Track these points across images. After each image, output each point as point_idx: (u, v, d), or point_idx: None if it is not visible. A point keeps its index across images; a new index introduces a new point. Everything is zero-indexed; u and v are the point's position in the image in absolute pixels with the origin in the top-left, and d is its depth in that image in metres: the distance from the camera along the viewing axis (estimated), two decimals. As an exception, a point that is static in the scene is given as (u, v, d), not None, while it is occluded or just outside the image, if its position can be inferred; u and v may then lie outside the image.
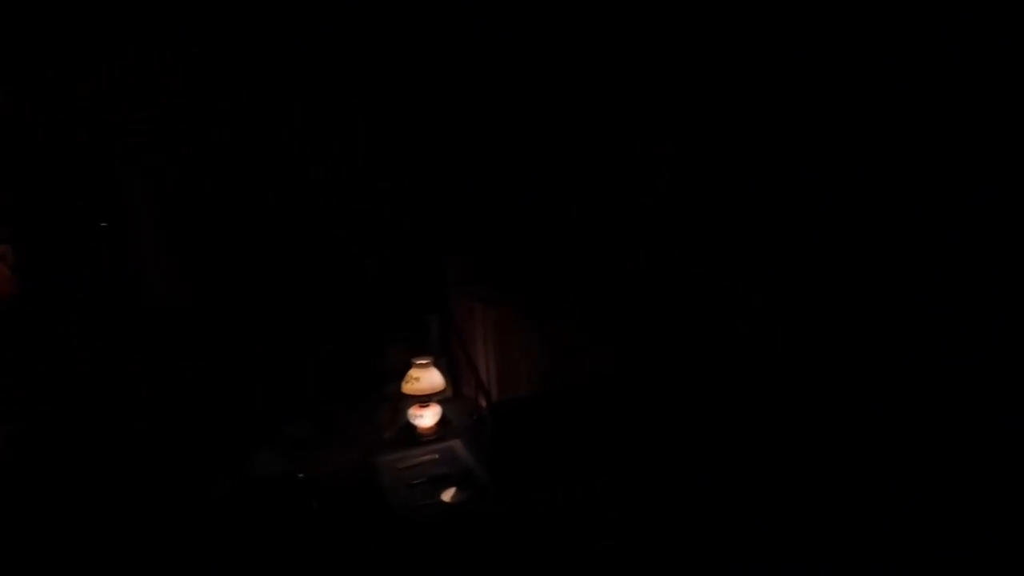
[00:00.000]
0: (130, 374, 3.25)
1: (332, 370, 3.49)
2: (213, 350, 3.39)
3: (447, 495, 2.22)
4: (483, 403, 2.84)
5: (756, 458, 1.40)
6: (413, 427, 2.74)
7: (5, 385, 3.07)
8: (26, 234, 3.34)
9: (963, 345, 1.04)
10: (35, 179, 3.29)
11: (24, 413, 3.03)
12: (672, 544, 1.57)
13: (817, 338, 1.31)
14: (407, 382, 2.72)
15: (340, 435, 3.06)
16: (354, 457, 2.78)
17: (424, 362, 2.74)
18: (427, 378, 2.71)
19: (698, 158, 1.57)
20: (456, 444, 2.64)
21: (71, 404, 3.12)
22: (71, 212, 3.37)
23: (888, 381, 1.18)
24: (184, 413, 3.20)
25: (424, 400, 2.71)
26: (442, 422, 2.78)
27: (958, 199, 1.03)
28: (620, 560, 1.65)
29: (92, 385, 3.19)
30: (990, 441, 1.02)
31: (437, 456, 2.56)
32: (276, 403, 3.29)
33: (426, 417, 2.71)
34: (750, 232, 1.44)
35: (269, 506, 2.29)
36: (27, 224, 3.34)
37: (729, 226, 1.48)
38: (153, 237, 3.44)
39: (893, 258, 1.15)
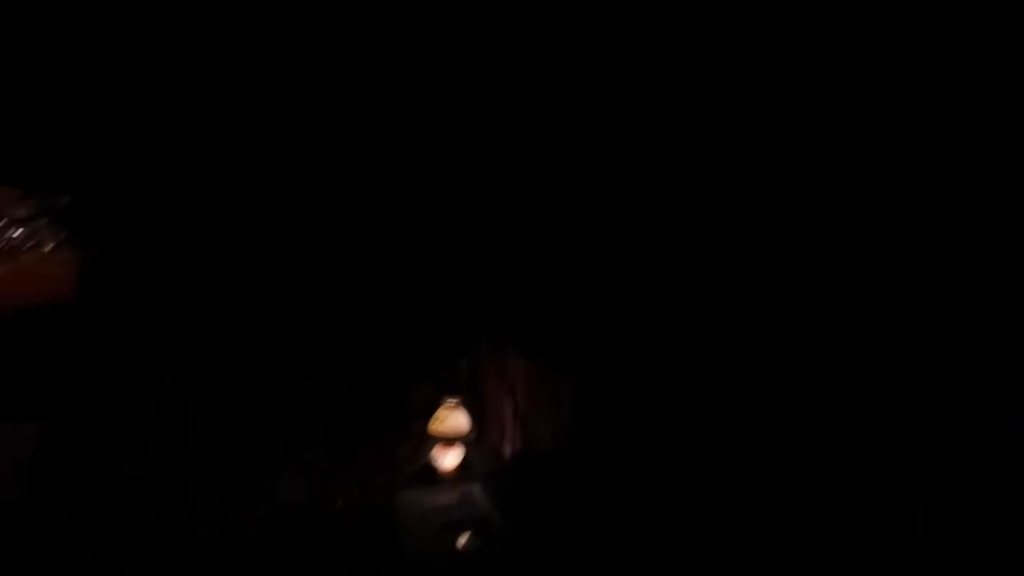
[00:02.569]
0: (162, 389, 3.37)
1: (355, 400, 3.56)
2: (242, 373, 3.50)
3: (462, 541, 2.23)
4: (507, 452, 2.85)
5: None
6: (434, 467, 2.77)
7: (41, 384, 3.22)
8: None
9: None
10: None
11: (56, 413, 3.16)
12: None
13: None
14: (434, 421, 2.76)
15: (359, 467, 3.10)
16: (372, 490, 2.81)
17: (453, 403, 2.79)
18: (453, 419, 2.75)
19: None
20: (475, 489, 2.65)
21: (100, 411, 3.24)
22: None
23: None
24: (211, 431, 3.28)
25: (448, 441, 2.74)
26: (463, 465, 2.80)
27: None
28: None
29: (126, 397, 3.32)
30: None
31: (456, 500, 2.57)
32: (298, 430, 3.35)
33: (448, 459, 2.74)
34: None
35: (302, 533, 2.33)
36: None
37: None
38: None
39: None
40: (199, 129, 3.49)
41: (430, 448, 2.80)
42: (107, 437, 3.09)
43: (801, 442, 1.37)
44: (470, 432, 2.81)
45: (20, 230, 3.45)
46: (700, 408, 1.65)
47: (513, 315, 2.95)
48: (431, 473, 2.78)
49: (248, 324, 3.60)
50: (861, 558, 1.23)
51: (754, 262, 1.56)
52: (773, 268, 1.50)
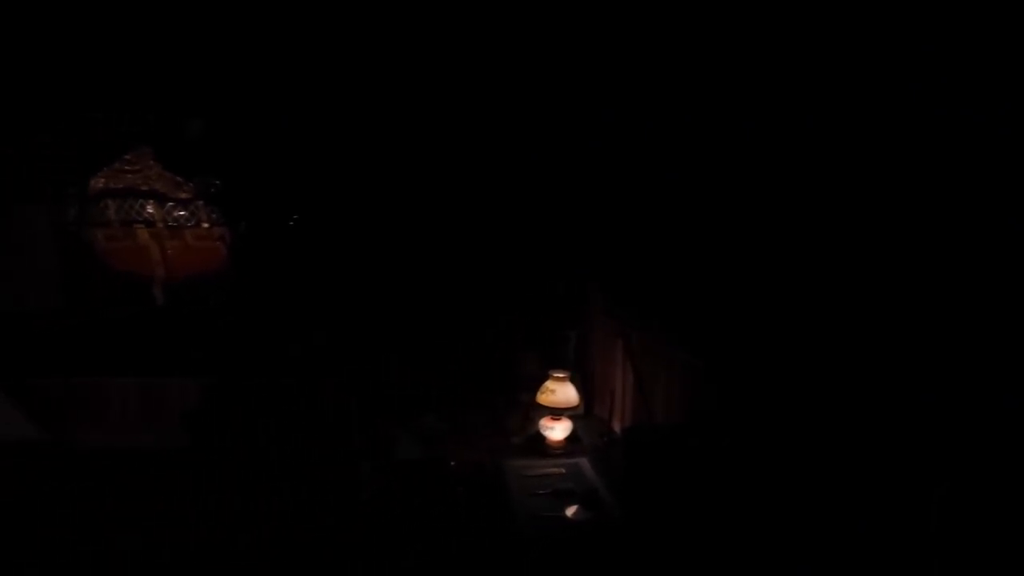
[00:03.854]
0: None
1: (466, 368, 3.69)
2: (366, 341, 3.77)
3: (570, 511, 2.24)
4: (615, 426, 2.81)
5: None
6: (542, 438, 2.80)
7: (207, 345, 3.68)
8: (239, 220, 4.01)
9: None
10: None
11: (218, 370, 3.59)
12: None
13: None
14: (543, 393, 2.79)
15: (469, 431, 3.23)
16: (481, 455, 2.92)
17: (562, 375, 2.79)
18: (563, 392, 2.76)
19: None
20: (583, 462, 2.65)
21: (254, 368, 3.64)
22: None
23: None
24: (339, 392, 3.57)
25: (557, 413, 2.76)
26: (571, 438, 2.80)
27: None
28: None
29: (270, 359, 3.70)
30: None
31: (564, 471, 2.59)
32: (413, 393, 3.55)
33: (557, 430, 2.76)
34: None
35: (420, 487, 2.50)
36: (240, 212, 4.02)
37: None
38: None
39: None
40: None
41: (539, 419, 2.83)
42: (257, 394, 3.48)
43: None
44: (579, 405, 2.81)
45: (183, 211, 3.94)
46: (817, 394, 1.55)
47: (626, 289, 2.89)
48: (540, 443, 2.82)
49: (369, 295, 3.86)
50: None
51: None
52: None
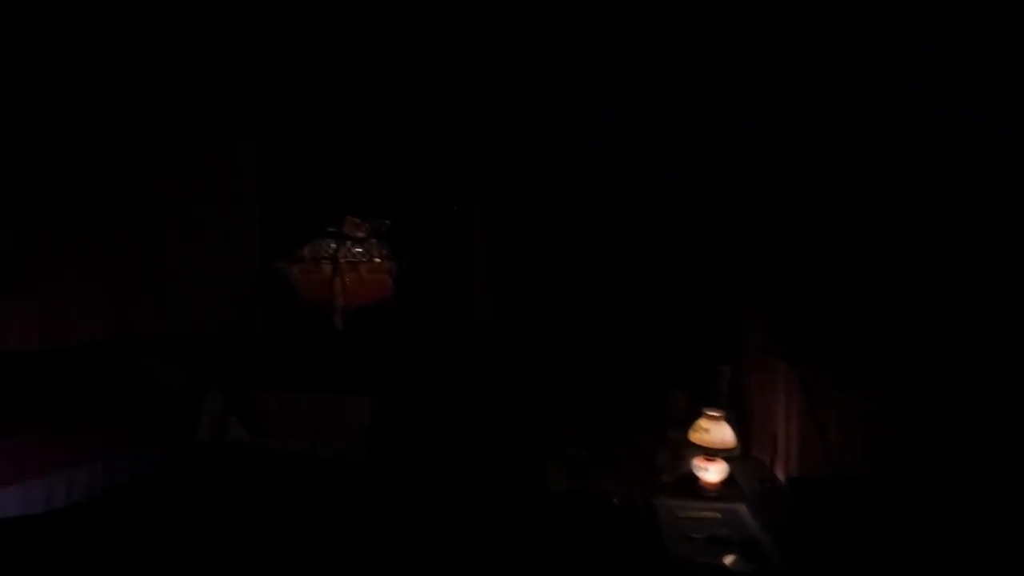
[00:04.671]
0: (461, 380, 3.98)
1: (613, 401, 3.66)
2: (516, 365, 3.93)
3: (728, 560, 2.12)
4: (778, 472, 2.60)
5: None
6: (695, 478, 2.68)
7: (373, 365, 4.09)
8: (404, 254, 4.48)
9: None
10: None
11: (384, 389, 3.98)
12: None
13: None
14: (695, 431, 2.68)
15: (617, 466, 3.18)
16: (629, 491, 2.86)
17: (716, 415, 2.66)
18: (717, 431, 2.63)
19: None
20: (741, 508, 2.49)
21: (418, 389, 3.97)
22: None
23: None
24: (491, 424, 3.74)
25: (711, 454, 2.63)
26: (728, 481, 2.65)
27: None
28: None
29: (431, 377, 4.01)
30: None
31: (720, 516, 2.45)
32: (560, 424, 3.59)
33: (712, 472, 2.62)
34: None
35: (579, 523, 2.53)
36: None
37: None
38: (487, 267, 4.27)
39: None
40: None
41: (691, 458, 2.72)
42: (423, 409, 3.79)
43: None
44: (735, 447, 2.65)
45: (359, 248, 4.48)
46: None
47: (789, 319, 2.69)
48: (692, 484, 2.70)
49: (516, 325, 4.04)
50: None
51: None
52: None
